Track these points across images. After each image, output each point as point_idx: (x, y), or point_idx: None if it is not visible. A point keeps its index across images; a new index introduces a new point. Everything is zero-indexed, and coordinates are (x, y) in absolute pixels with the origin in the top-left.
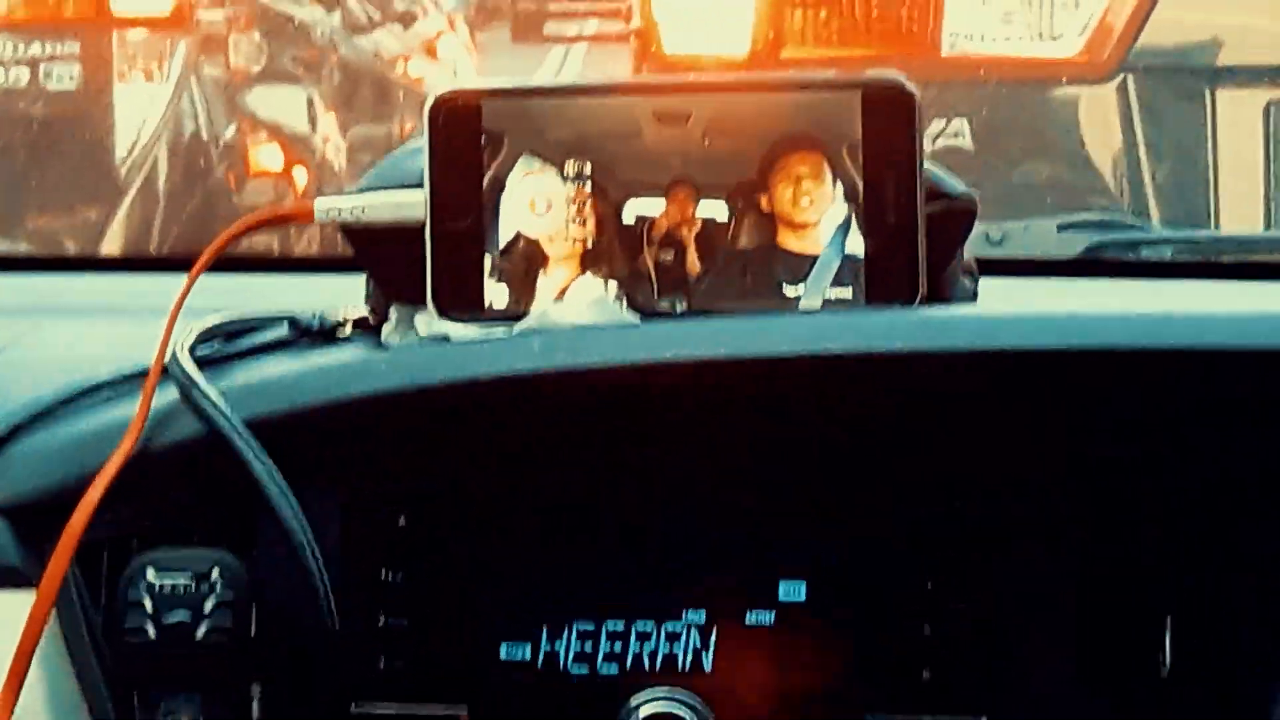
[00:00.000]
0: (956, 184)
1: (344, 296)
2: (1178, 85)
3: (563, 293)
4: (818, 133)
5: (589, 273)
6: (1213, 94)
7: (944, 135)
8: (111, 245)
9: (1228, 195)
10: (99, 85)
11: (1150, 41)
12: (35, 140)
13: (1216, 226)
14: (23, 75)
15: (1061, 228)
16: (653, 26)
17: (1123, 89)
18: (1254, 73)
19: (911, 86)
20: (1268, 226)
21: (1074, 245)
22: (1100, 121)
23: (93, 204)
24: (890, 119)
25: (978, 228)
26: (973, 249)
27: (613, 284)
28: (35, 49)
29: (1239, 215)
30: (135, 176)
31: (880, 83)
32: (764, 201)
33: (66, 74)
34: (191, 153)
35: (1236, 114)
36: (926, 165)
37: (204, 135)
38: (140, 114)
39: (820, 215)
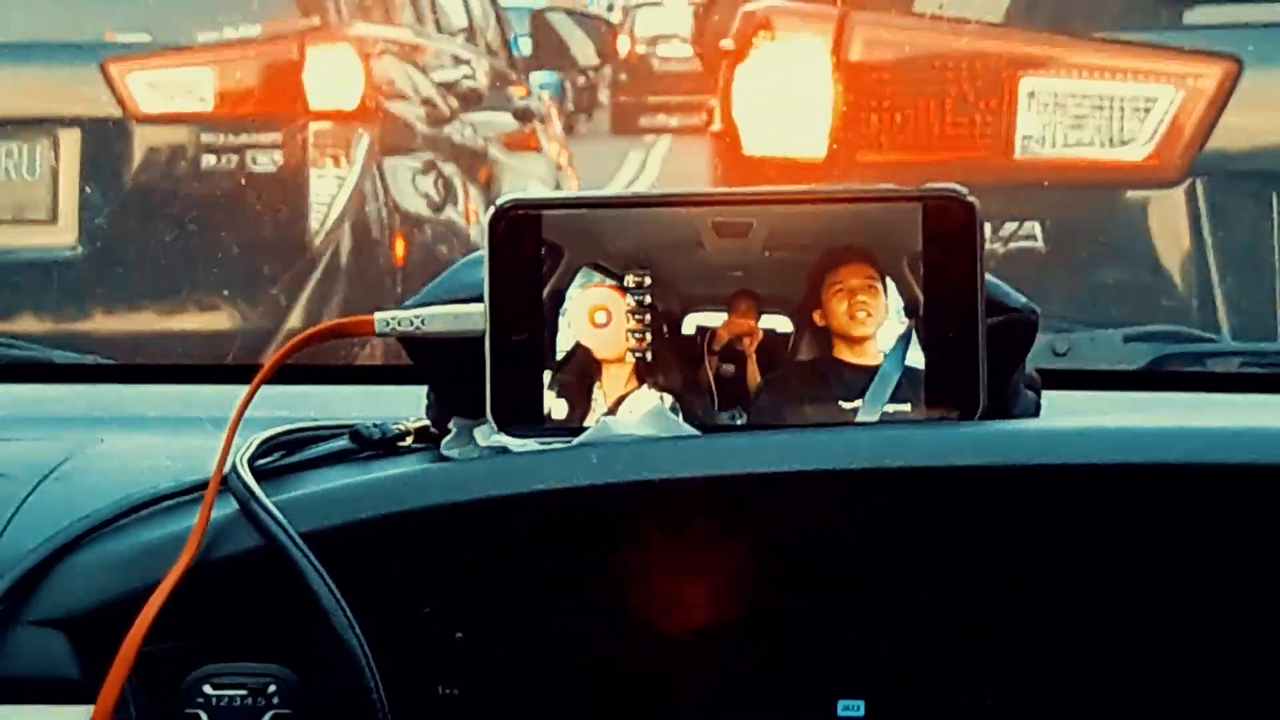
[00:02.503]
0: (1018, 296)
1: (406, 408)
2: (1245, 190)
3: (618, 403)
4: (876, 245)
5: (646, 385)
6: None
7: (1015, 238)
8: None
9: None
10: (295, 168)
11: (1219, 145)
12: (238, 215)
13: None
14: (233, 159)
15: (1127, 339)
16: (733, 128)
17: (1191, 193)
18: None
19: (972, 198)
20: None
21: (1140, 356)
22: (1169, 226)
23: (287, 273)
24: (951, 231)
25: (1043, 339)
26: (1038, 360)
27: (668, 397)
28: (244, 137)
29: None
30: (325, 249)
31: (941, 194)
32: (818, 316)
33: (268, 159)
34: (371, 229)
35: None
36: (988, 277)
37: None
38: (329, 194)
39: (875, 328)
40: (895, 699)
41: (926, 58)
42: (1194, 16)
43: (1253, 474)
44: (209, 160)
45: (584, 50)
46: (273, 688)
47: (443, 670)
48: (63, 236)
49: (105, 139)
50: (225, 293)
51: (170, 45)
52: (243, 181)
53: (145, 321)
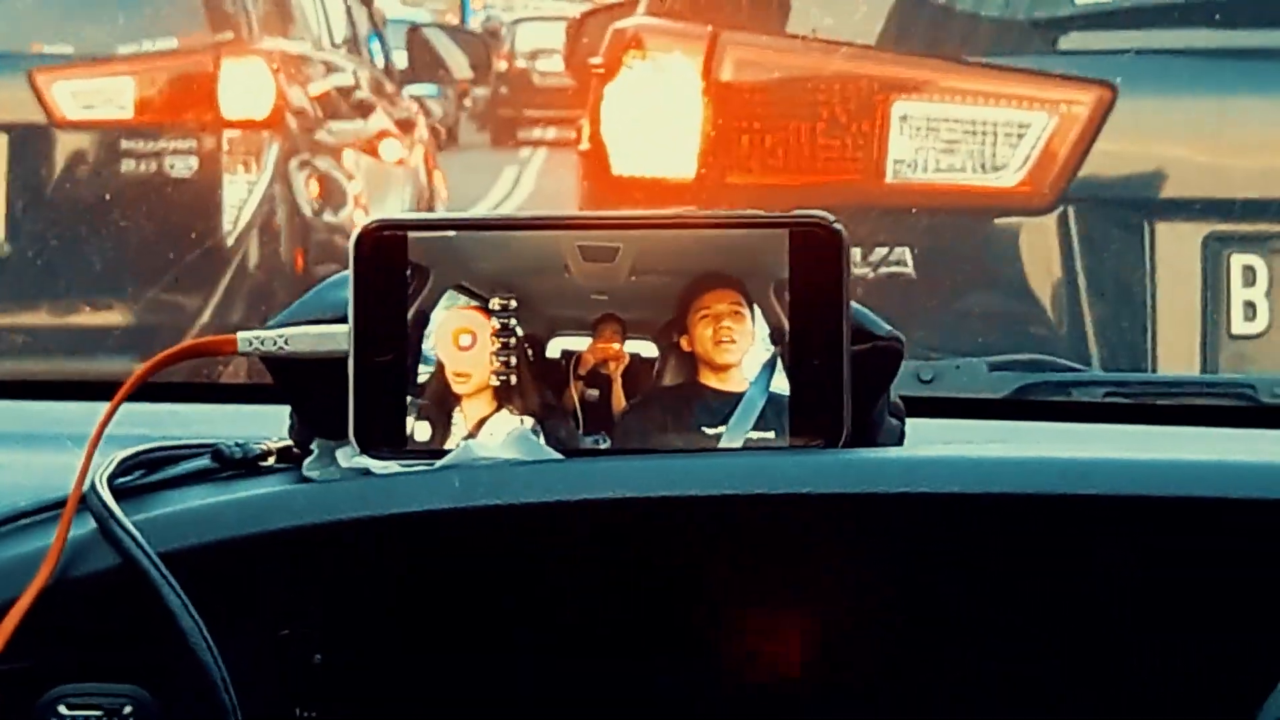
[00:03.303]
0: (883, 325)
1: (269, 427)
2: (1117, 218)
3: (478, 427)
4: (742, 271)
5: (506, 408)
6: (1152, 226)
7: (885, 263)
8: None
9: (1165, 331)
10: (209, 174)
11: (1091, 172)
12: (158, 219)
13: (1154, 365)
14: (151, 164)
15: (993, 367)
16: (601, 147)
17: (1063, 219)
18: (1192, 205)
19: (838, 225)
20: (1204, 366)
21: (1005, 385)
22: (1040, 253)
23: (201, 274)
24: (817, 259)
25: (908, 366)
26: (903, 387)
27: (529, 420)
28: (161, 144)
29: (1176, 352)
30: (237, 252)
31: (807, 221)
32: (684, 341)
33: (184, 165)
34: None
35: (1175, 246)
36: (854, 305)
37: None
38: (239, 199)
39: (741, 355)
40: None
41: (798, 80)
42: (1068, 42)
43: (1113, 505)
44: (128, 165)
45: (459, 64)
46: (129, 709)
47: (301, 693)
48: None
49: (30, 143)
50: (139, 291)
51: (93, 56)
52: (160, 185)
53: (63, 318)
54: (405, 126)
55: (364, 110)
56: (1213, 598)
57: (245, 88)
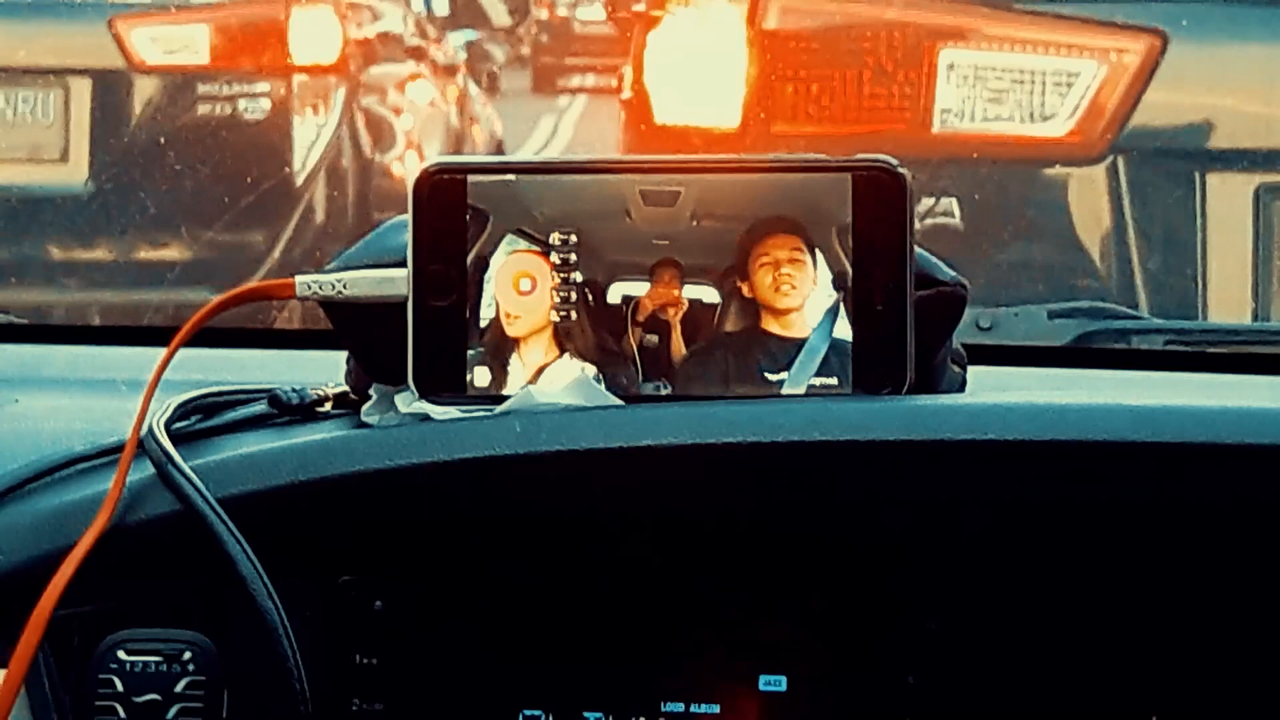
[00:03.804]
0: (947, 270)
1: (325, 373)
2: (1168, 167)
3: (539, 372)
4: (804, 216)
5: (568, 354)
6: (1203, 177)
7: (933, 214)
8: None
9: (1217, 280)
10: (280, 116)
11: (1141, 122)
12: (231, 160)
13: (1205, 313)
14: (226, 107)
15: (1052, 315)
16: (644, 95)
17: (1113, 170)
18: (1244, 156)
19: (903, 170)
20: (1256, 315)
21: (1065, 333)
22: (1090, 203)
23: (274, 210)
24: (881, 203)
25: (968, 314)
26: (962, 335)
27: (590, 367)
28: (236, 88)
29: (1228, 300)
30: (307, 189)
31: (871, 166)
32: (745, 288)
33: (257, 107)
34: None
35: (1226, 198)
36: (917, 250)
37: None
38: (309, 139)
39: (802, 300)
40: (817, 674)
41: (843, 28)
42: None
43: (1177, 452)
44: (204, 108)
45: (497, 11)
46: (188, 654)
47: (360, 640)
48: (73, 175)
49: (112, 87)
50: (214, 227)
51: (170, 4)
52: (234, 126)
53: (140, 253)
54: (451, 71)
55: (419, 55)
56: (1274, 545)
57: (314, 33)
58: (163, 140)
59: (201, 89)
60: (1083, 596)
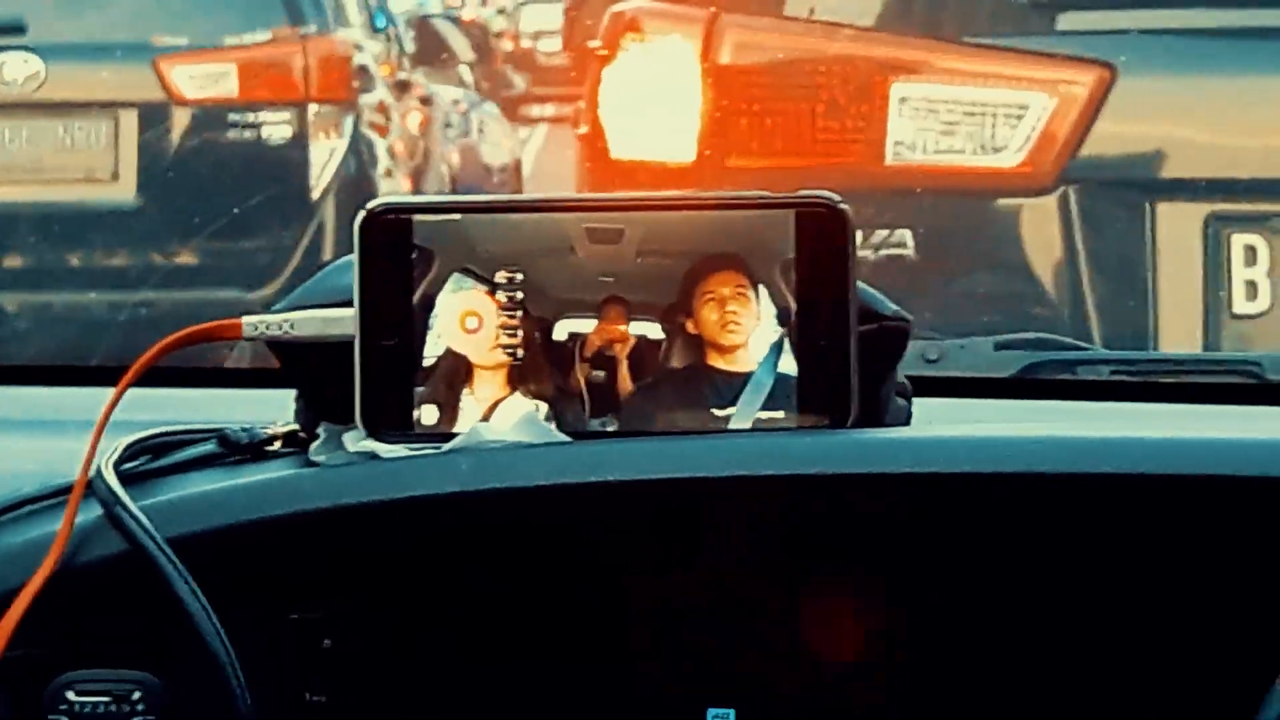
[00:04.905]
0: (889, 305)
1: (274, 412)
2: (1118, 197)
3: (492, 409)
4: (748, 252)
5: (518, 391)
6: (1153, 207)
7: (886, 245)
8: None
9: (1167, 310)
10: (299, 139)
11: (1091, 153)
12: (256, 176)
13: (1156, 344)
14: (253, 132)
15: (998, 346)
16: (599, 130)
17: (1064, 200)
18: (1194, 185)
19: (844, 205)
20: (1206, 344)
21: (1011, 364)
22: (1041, 234)
23: (285, 225)
24: (823, 239)
25: (914, 346)
26: (909, 367)
27: (543, 405)
28: (261, 115)
29: (1178, 330)
30: (322, 200)
31: (813, 202)
32: (690, 324)
33: (279, 134)
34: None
35: (1177, 227)
36: (860, 285)
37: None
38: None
39: (746, 336)
40: (765, 707)
41: (797, 62)
42: (1067, 22)
43: (1122, 484)
44: (234, 134)
45: (463, 49)
46: (137, 694)
47: (310, 678)
48: (123, 192)
49: (155, 118)
50: (243, 234)
51: (204, 46)
52: (260, 148)
53: (188, 253)
54: (426, 102)
55: (404, 88)
56: (1220, 577)
57: (326, 70)
58: (197, 162)
59: (231, 118)
60: (1030, 627)
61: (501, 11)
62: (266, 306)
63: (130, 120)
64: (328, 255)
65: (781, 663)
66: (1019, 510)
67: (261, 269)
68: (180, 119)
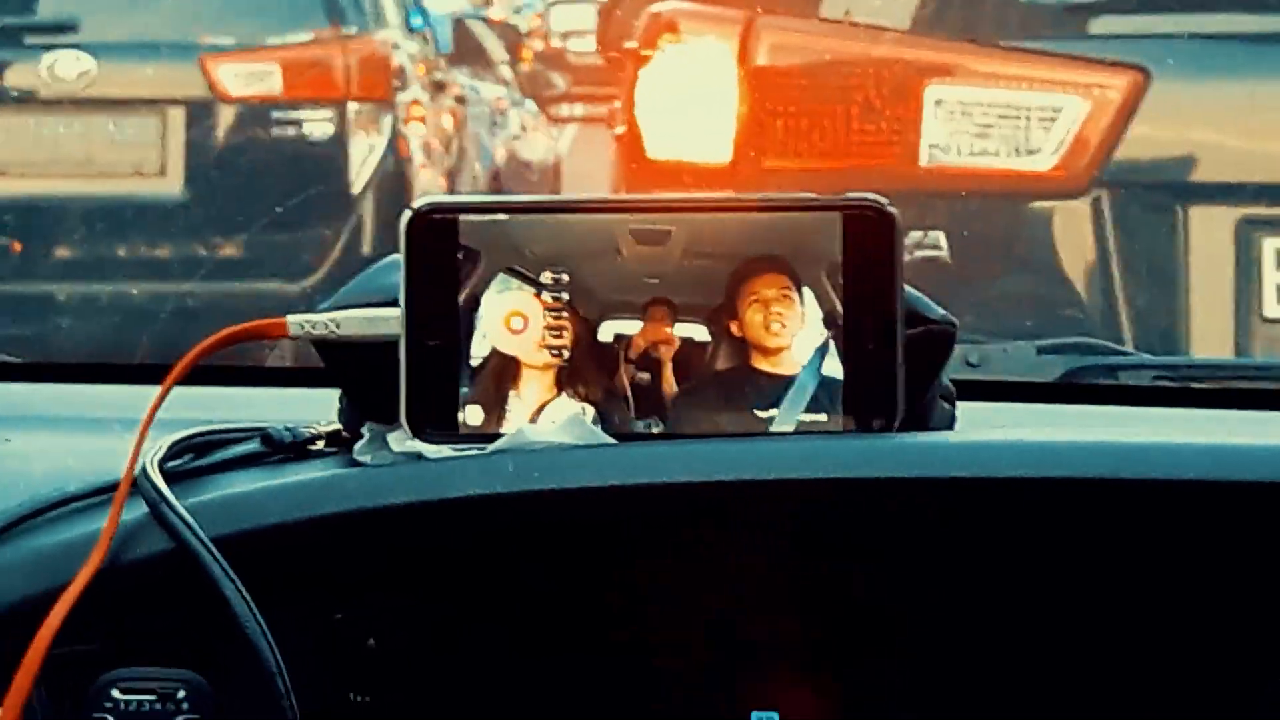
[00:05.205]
0: (936, 308)
1: (317, 411)
2: (1150, 200)
3: (539, 412)
4: (793, 254)
5: (564, 393)
6: (1185, 210)
7: (921, 247)
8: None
9: (1199, 314)
10: (340, 136)
11: (1125, 156)
12: (298, 171)
13: (1188, 346)
14: (296, 129)
15: (1041, 350)
16: (636, 130)
17: (1097, 204)
18: (1226, 189)
19: (893, 209)
20: (1238, 347)
21: (1053, 368)
22: (1075, 237)
23: (327, 218)
24: (870, 242)
25: (957, 350)
26: (951, 371)
27: (589, 407)
28: (303, 113)
29: (1210, 336)
30: (364, 196)
31: (861, 205)
32: (734, 326)
33: (321, 130)
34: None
35: (1208, 231)
36: (906, 288)
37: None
38: (363, 156)
39: (791, 339)
40: (809, 710)
41: (833, 64)
42: (1100, 26)
43: (1168, 490)
44: (277, 131)
45: (496, 50)
46: (182, 693)
47: (354, 677)
48: (170, 185)
49: (201, 114)
50: (290, 226)
51: (249, 46)
52: (302, 145)
53: (232, 246)
54: (462, 101)
55: (440, 87)
56: (1266, 583)
57: (365, 70)
58: (242, 157)
59: (275, 115)
60: (1074, 632)
61: (534, 13)
62: (308, 300)
63: (178, 117)
64: (366, 249)
65: (824, 666)
66: (1063, 515)
67: (303, 262)
68: (225, 116)
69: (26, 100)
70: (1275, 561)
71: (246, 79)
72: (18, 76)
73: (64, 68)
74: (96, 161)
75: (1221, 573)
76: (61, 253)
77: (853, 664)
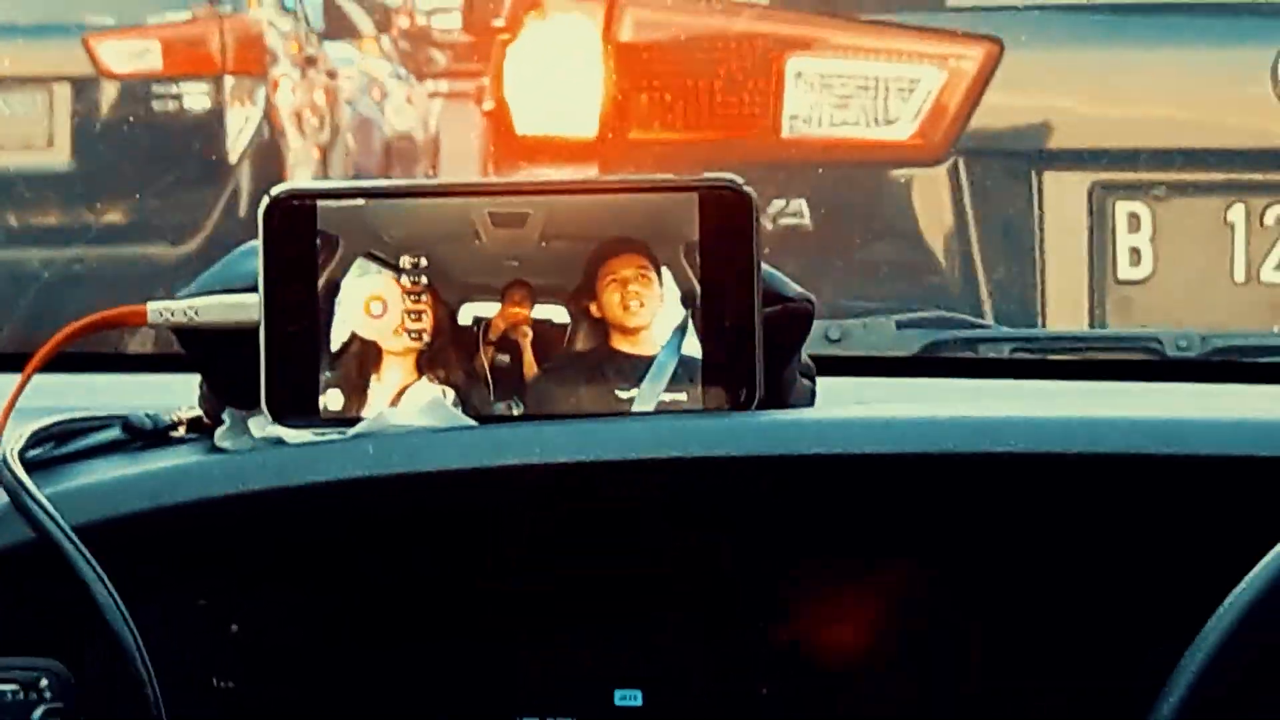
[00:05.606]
0: (793, 286)
1: (178, 397)
2: (1006, 167)
3: (399, 395)
4: (651, 234)
5: (425, 376)
6: (1039, 176)
7: (783, 215)
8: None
9: (1053, 275)
10: (217, 109)
11: (981, 125)
12: (178, 142)
13: (1043, 307)
14: (175, 103)
15: (901, 325)
16: (504, 108)
17: (954, 171)
18: (1078, 155)
19: (748, 189)
20: (1093, 308)
21: (913, 342)
22: (933, 202)
23: (205, 186)
24: (727, 222)
25: (816, 325)
26: (812, 347)
27: (450, 390)
28: (181, 87)
29: (1065, 297)
30: (240, 165)
31: (717, 185)
32: (593, 307)
33: (199, 103)
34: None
35: (1062, 196)
36: (765, 267)
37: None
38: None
39: (650, 319)
40: (672, 688)
41: (696, 39)
42: (956, 0)
43: (1024, 463)
44: (158, 104)
45: (365, 25)
46: (45, 682)
47: (218, 663)
48: (57, 157)
49: (84, 90)
50: (170, 193)
51: (129, 25)
52: (181, 117)
53: (117, 213)
54: (333, 76)
55: (310, 62)
56: (1123, 556)
57: (240, 46)
58: (125, 130)
59: (154, 89)
60: (931, 607)
61: None
62: (191, 263)
63: (63, 92)
64: (243, 213)
65: (689, 645)
66: (923, 490)
67: (185, 226)
68: (109, 91)
69: None
70: (1134, 533)
71: (128, 56)
72: None
73: None
74: None
75: (1084, 546)
76: None
77: (717, 641)
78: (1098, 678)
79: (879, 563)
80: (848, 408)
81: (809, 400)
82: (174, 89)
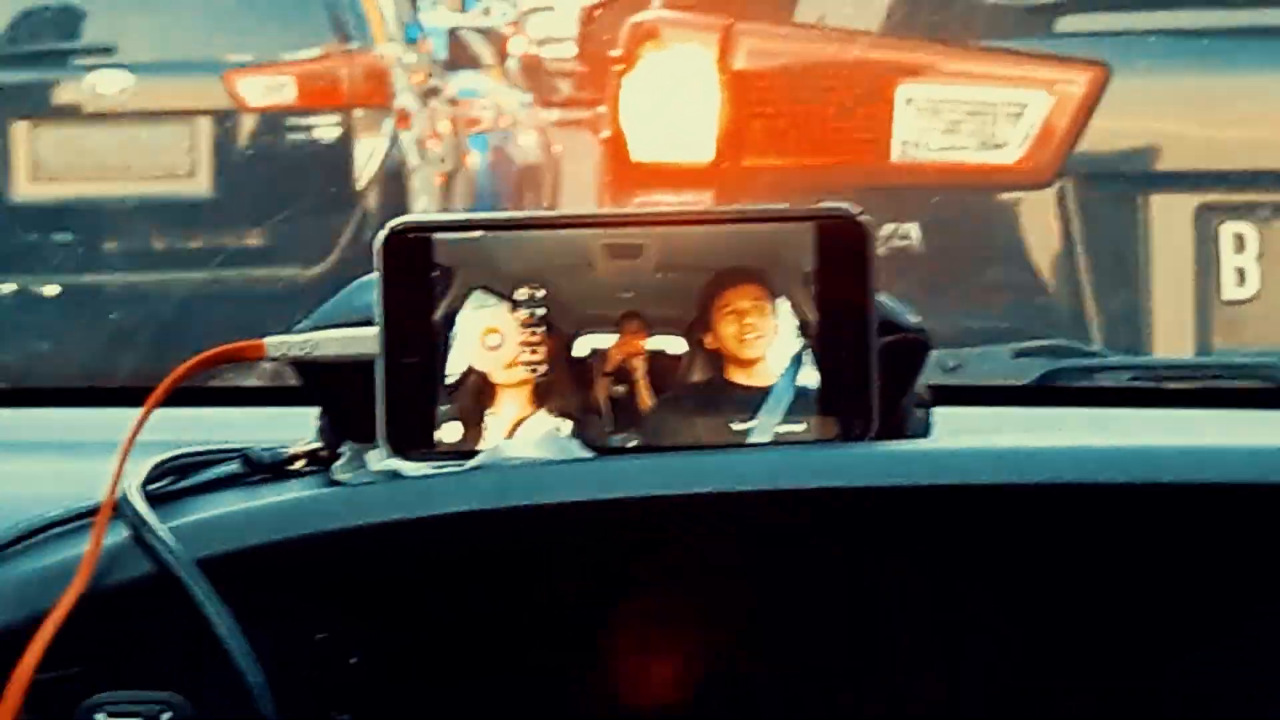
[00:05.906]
0: (910, 317)
1: (295, 430)
2: (1112, 189)
3: (515, 427)
4: (767, 265)
5: (541, 408)
6: (1146, 198)
7: (895, 238)
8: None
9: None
10: (346, 139)
11: (1088, 148)
12: (310, 171)
13: (1149, 324)
14: (308, 134)
15: (1016, 354)
16: (620, 135)
17: (1060, 194)
18: (1183, 177)
19: (864, 218)
20: (1199, 327)
21: (1030, 371)
22: (1039, 225)
23: (335, 212)
24: (844, 251)
25: (933, 354)
26: (928, 375)
27: (567, 422)
28: (314, 119)
29: (1171, 316)
30: (368, 191)
31: (833, 215)
32: (709, 339)
33: (330, 134)
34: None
35: (1168, 217)
36: (880, 297)
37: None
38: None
39: (765, 349)
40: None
41: (808, 66)
42: (1064, 25)
43: (1145, 493)
44: (292, 136)
45: (486, 55)
46: (167, 715)
47: (337, 696)
48: (199, 186)
49: (225, 122)
50: (303, 218)
51: (265, 62)
52: (313, 147)
53: (254, 237)
54: (455, 104)
55: (434, 92)
56: (1247, 585)
57: (368, 79)
58: (261, 160)
59: (289, 121)
60: (1052, 638)
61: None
62: (323, 284)
63: (205, 124)
64: (370, 238)
65: (803, 675)
66: (1041, 521)
67: (318, 249)
68: (246, 124)
69: (71, 114)
70: (1255, 562)
71: (264, 91)
72: (64, 93)
73: (106, 84)
74: (134, 167)
75: (1203, 574)
76: (109, 246)
77: (829, 670)
78: (1214, 700)
79: (998, 594)
80: (965, 438)
81: (924, 431)
82: (306, 121)
